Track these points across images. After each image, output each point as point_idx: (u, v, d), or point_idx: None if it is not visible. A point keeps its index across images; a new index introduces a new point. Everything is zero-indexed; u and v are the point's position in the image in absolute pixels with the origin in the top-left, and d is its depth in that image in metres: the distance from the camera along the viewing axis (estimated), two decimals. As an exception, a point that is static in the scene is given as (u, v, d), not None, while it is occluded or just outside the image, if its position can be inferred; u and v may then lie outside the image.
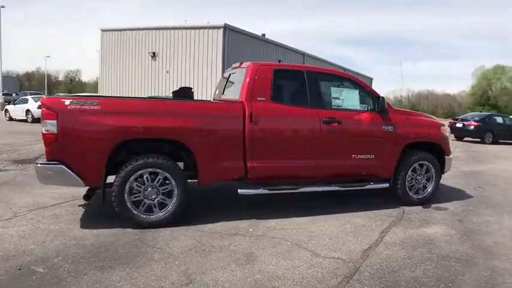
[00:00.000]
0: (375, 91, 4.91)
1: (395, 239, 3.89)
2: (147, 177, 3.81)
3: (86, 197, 3.79)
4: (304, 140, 4.41)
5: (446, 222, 4.51)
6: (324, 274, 3.03)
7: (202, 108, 4.14)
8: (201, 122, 3.94)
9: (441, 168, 5.27)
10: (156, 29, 20.21)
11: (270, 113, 4.20)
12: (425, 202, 5.20)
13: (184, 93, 16.22)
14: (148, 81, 20.81)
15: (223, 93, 5.16)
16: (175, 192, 3.90)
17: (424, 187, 5.22)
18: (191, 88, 16.86)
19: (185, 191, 3.92)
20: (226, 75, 5.44)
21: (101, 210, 4.26)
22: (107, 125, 3.61)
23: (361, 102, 4.80)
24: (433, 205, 5.21)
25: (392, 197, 5.18)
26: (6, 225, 3.79)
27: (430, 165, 5.18)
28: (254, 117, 4.09)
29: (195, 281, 2.80)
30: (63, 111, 3.49)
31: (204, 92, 18.27)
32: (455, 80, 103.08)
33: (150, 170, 3.79)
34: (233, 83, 4.93)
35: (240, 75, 4.63)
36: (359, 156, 4.70)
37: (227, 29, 18.50)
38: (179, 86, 19.25)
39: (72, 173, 3.55)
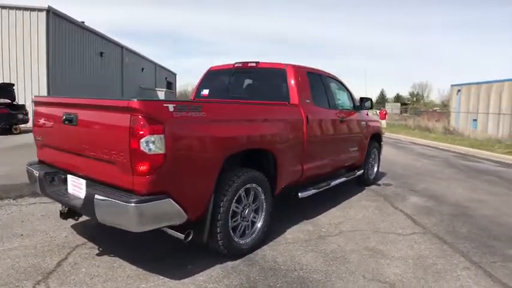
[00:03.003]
0: (351, 91, 5.82)
1: (412, 211, 5.02)
2: (243, 195, 3.31)
3: (188, 235, 2.82)
4: (332, 139, 4.84)
5: (409, 193, 6.05)
6: (438, 246, 3.75)
7: (281, 112, 3.88)
8: (282, 126, 3.75)
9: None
10: None
11: (316, 115, 4.41)
12: (375, 181, 6.60)
13: (3, 90, 12.40)
14: None
15: (227, 94, 4.77)
16: (264, 207, 3.56)
17: (373, 169, 6.60)
18: (12, 84, 12.99)
19: (272, 205, 3.62)
20: (217, 74, 5.04)
21: (142, 252, 3.40)
22: (218, 136, 2.93)
23: (348, 101, 5.60)
24: (377, 183, 6.65)
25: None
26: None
27: (377, 152, 6.62)
28: (309, 119, 4.19)
29: (391, 282, 2.95)
30: (171, 121, 2.57)
31: (22, 87, 14.12)
32: None
33: (248, 186, 3.31)
34: (251, 83, 4.71)
35: (266, 77, 4.56)
36: (352, 149, 5.54)
37: (51, 12, 14.84)
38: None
39: (179, 207, 2.67)
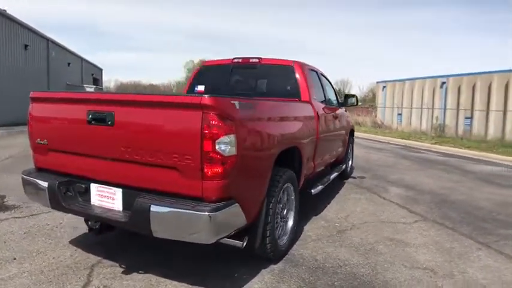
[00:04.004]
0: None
1: (400, 201, 5.40)
2: (281, 195, 3.23)
3: (244, 241, 2.62)
4: (331, 134, 4.96)
5: (387, 184, 6.48)
6: (443, 231, 4.10)
7: (305, 109, 3.85)
8: (306, 123, 3.77)
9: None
10: None
11: (321, 111, 4.49)
12: (350, 174, 6.92)
13: None
14: None
15: (228, 90, 4.59)
16: (294, 205, 3.53)
17: (349, 162, 6.92)
18: None
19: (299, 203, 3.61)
20: (212, 70, 4.83)
21: (170, 264, 3.14)
22: (272, 134, 2.85)
23: (335, 98, 5.78)
24: (352, 176, 6.99)
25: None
26: None
27: (351, 146, 6.95)
28: (319, 115, 4.24)
29: (430, 267, 3.14)
30: (239, 119, 2.41)
31: None
32: (159, 72, 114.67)
33: (286, 185, 3.25)
34: (255, 80, 4.59)
35: (271, 73, 4.50)
36: (339, 143, 5.74)
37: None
38: None
39: (242, 212, 2.52)
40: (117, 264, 3.06)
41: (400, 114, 24.54)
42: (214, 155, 2.22)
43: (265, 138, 2.75)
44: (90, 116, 2.59)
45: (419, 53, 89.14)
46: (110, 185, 2.64)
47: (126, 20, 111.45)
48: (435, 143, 15.49)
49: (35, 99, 2.95)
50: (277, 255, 3.13)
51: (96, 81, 34.65)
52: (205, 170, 2.24)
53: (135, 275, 2.88)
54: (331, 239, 3.75)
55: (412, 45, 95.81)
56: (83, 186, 2.77)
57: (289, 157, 3.57)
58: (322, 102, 4.79)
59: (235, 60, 4.68)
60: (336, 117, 5.26)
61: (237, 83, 4.68)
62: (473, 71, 17.46)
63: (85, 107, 2.63)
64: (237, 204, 2.42)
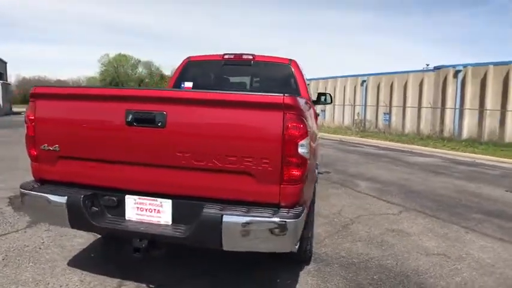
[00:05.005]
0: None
1: (374, 193, 5.82)
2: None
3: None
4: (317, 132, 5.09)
5: (352, 178, 6.93)
6: (429, 219, 4.54)
7: (313, 107, 3.83)
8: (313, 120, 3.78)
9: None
10: None
11: (316, 109, 4.56)
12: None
13: None
14: None
15: (220, 87, 4.42)
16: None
17: (314, 159, 7.21)
18: None
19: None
20: (200, 66, 4.59)
21: (199, 278, 2.95)
22: (316, 134, 2.83)
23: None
24: (321, 171, 7.32)
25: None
26: None
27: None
28: (317, 114, 4.35)
29: (440, 252, 3.48)
30: (308, 119, 2.36)
31: None
32: (68, 66, 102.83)
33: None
34: (249, 77, 4.50)
35: (267, 71, 4.46)
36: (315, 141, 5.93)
37: None
38: None
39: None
40: (144, 285, 2.73)
41: (323, 111, 26.17)
42: (295, 158, 2.13)
43: (315, 137, 2.74)
44: (131, 117, 2.25)
45: (341, 53, 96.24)
46: (154, 196, 2.34)
47: (30, 8, 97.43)
48: (361, 137, 16.99)
49: (40, 96, 2.44)
50: (311, 256, 3.14)
51: (1, 75, 30.22)
52: (285, 174, 2.14)
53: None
54: (341, 235, 3.89)
55: (334, 44, 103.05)
56: (115, 199, 2.40)
57: None
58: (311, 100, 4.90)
59: (227, 56, 4.50)
60: (318, 115, 5.43)
61: (229, 81, 4.52)
62: (391, 71, 19.55)
63: (122, 106, 2.28)
64: (305, 208, 2.36)
